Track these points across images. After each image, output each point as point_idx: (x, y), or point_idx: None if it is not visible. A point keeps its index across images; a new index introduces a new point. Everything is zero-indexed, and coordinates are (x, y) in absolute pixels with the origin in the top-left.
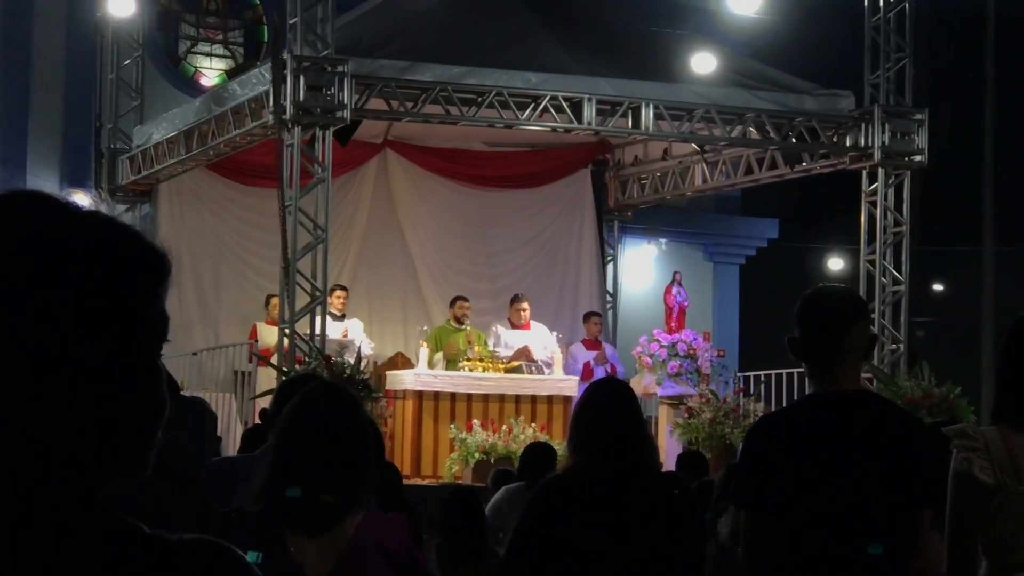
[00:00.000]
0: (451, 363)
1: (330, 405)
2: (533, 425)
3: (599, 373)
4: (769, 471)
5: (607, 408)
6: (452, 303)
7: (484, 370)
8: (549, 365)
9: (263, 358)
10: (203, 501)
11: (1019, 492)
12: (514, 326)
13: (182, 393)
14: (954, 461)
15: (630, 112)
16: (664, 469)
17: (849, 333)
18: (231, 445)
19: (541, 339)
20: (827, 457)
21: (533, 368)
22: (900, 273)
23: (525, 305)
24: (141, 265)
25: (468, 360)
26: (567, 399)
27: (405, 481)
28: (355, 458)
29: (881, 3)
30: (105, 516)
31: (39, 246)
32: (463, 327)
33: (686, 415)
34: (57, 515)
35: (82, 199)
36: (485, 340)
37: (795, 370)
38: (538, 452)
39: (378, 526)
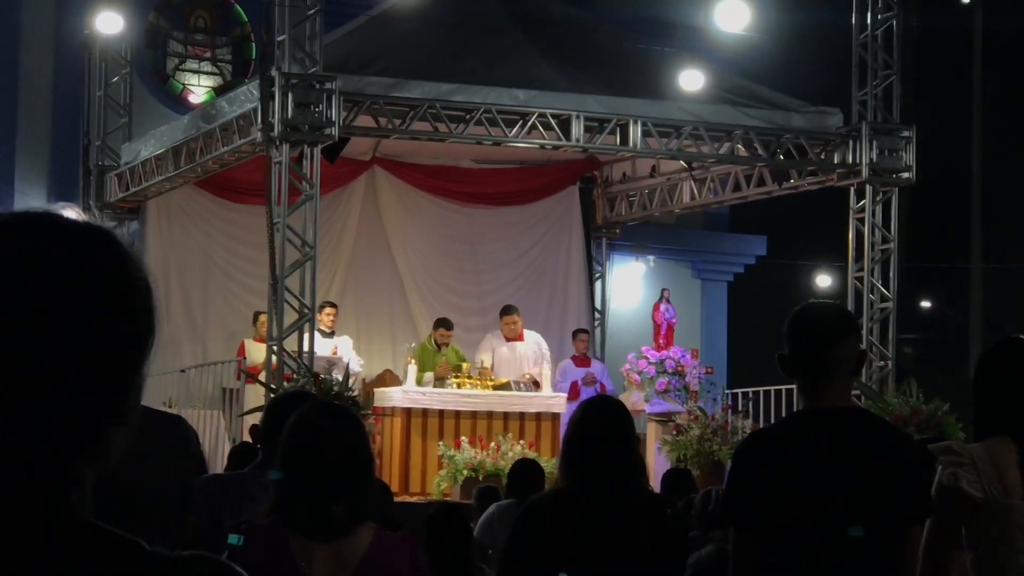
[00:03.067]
0: (439, 381)
1: (331, 421)
2: (521, 442)
3: (587, 394)
4: (758, 489)
5: (600, 428)
6: (435, 326)
7: (472, 387)
8: (537, 384)
9: (251, 375)
10: (192, 518)
11: (1007, 506)
12: (507, 339)
13: (163, 410)
14: (940, 475)
15: (618, 129)
16: (650, 486)
17: (838, 349)
18: (219, 462)
19: (535, 349)
20: (817, 474)
21: (522, 385)
22: (888, 290)
23: (515, 317)
24: (123, 287)
25: (456, 377)
26: (555, 416)
27: (393, 498)
28: (359, 469)
29: (868, 20)
30: (103, 532)
31: (35, 264)
32: (440, 352)
33: (674, 432)
34: (45, 523)
35: (71, 213)
36: (462, 355)
37: (784, 387)
38: (526, 469)
39: (390, 548)
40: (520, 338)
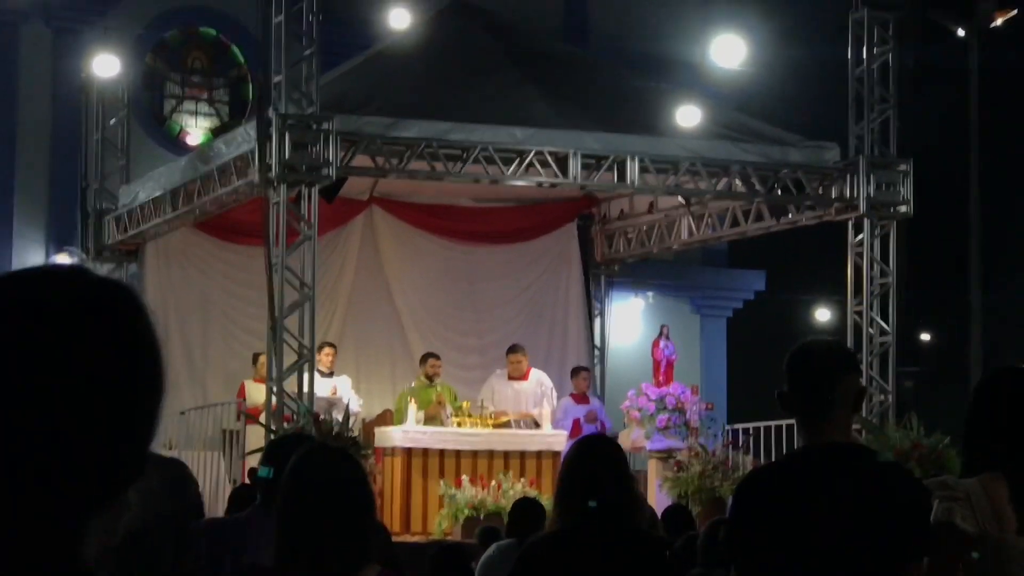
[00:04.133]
0: (430, 420)
1: (330, 463)
2: (522, 480)
3: (589, 431)
4: (759, 526)
5: (593, 467)
6: (423, 360)
7: (473, 426)
8: (537, 423)
9: (251, 416)
10: (190, 562)
11: (1002, 541)
12: (512, 377)
13: (162, 454)
14: (935, 511)
15: (615, 166)
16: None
17: (839, 386)
18: (219, 504)
19: (539, 389)
20: (817, 512)
21: (522, 423)
22: (887, 323)
23: (520, 356)
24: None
25: (456, 416)
26: (556, 454)
27: (394, 538)
28: (360, 510)
29: (864, 55)
30: None
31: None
32: (433, 384)
33: (675, 469)
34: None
35: (67, 259)
36: (455, 395)
37: (784, 422)
38: (526, 508)
39: None
40: (524, 377)
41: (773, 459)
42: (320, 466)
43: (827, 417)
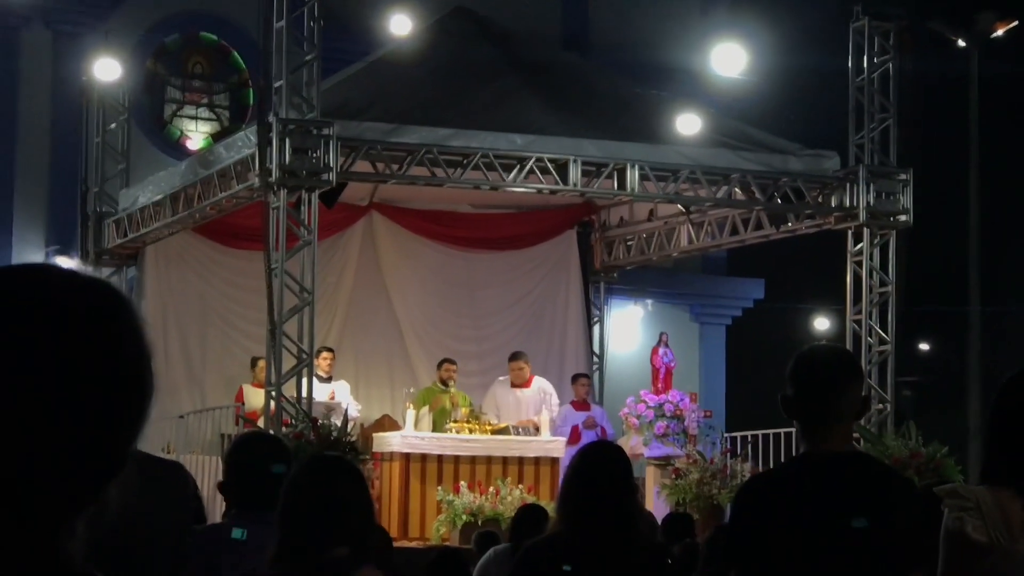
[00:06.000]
0: (437, 424)
1: (329, 470)
2: (520, 487)
3: (588, 437)
4: (758, 532)
5: (597, 473)
6: (439, 365)
7: (471, 432)
8: (537, 428)
9: (250, 421)
10: (190, 566)
11: (1012, 551)
12: (514, 384)
13: (161, 456)
14: (946, 520)
15: (615, 173)
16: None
17: (843, 395)
18: (217, 508)
19: (540, 396)
20: (817, 519)
21: (521, 430)
22: (886, 333)
23: (522, 363)
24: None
25: (456, 422)
26: (555, 460)
27: (393, 543)
28: (358, 516)
29: (865, 64)
30: None
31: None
32: (448, 389)
33: (673, 476)
34: (40, 573)
35: (67, 263)
36: (470, 402)
37: (782, 430)
38: (529, 514)
39: None
40: (527, 384)
41: (773, 466)
42: (320, 472)
43: (830, 425)
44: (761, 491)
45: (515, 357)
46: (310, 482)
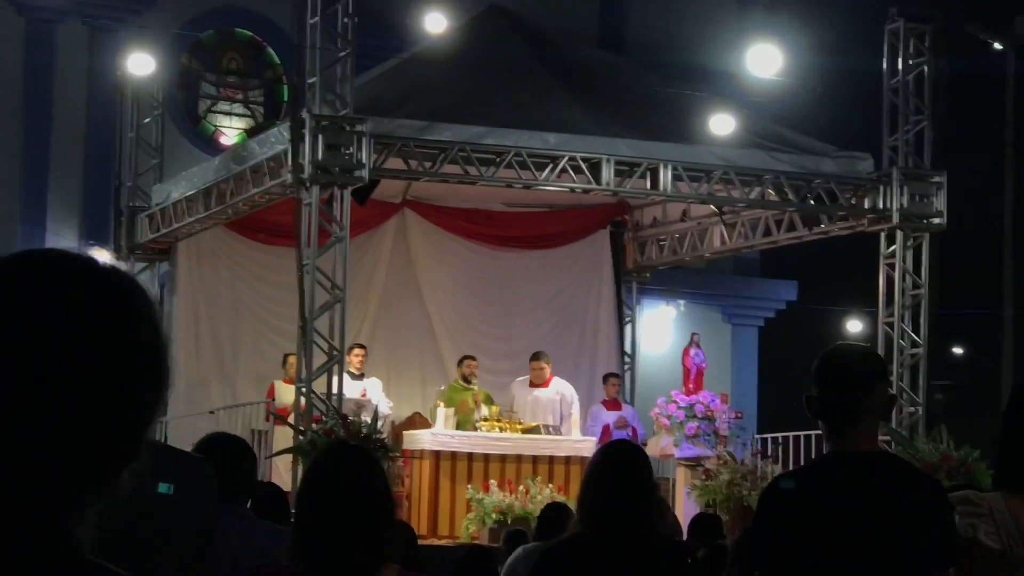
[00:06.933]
0: (461, 424)
1: (347, 462)
2: (550, 486)
3: (619, 437)
4: (784, 533)
5: (615, 472)
6: (460, 362)
7: (501, 430)
8: (556, 429)
9: (280, 417)
10: (212, 560)
11: None
12: (533, 384)
13: (187, 451)
14: (958, 526)
15: (648, 173)
16: (679, 531)
17: (868, 394)
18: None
19: (556, 397)
20: (842, 519)
21: (551, 429)
22: (918, 336)
23: (543, 364)
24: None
25: (486, 421)
26: (584, 460)
27: (422, 541)
28: (377, 510)
29: (900, 66)
30: (102, 570)
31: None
32: (471, 386)
33: (703, 477)
34: (45, 558)
35: (102, 256)
36: (491, 399)
37: (813, 432)
38: (555, 513)
39: None
40: (545, 384)
41: (799, 466)
42: (338, 465)
43: (855, 424)
44: (785, 492)
45: (536, 357)
46: (325, 470)
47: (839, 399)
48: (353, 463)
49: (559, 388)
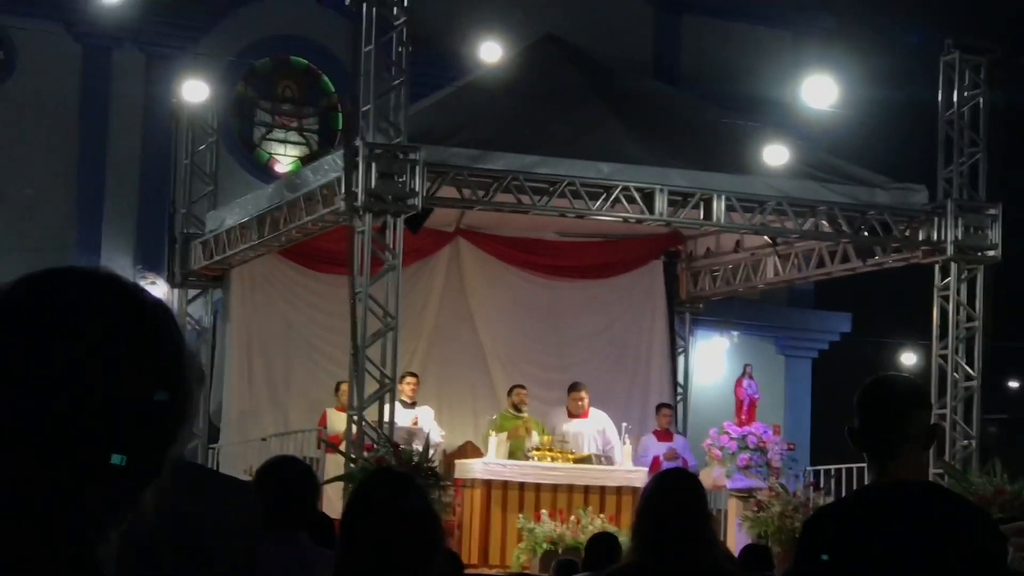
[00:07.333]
0: (513, 452)
1: (391, 489)
2: (602, 516)
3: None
4: (826, 565)
5: (670, 501)
6: (510, 391)
7: (552, 460)
8: (609, 458)
9: (331, 445)
10: None
11: None
12: (571, 415)
13: (232, 476)
14: (1011, 559)
15: (702, 203)
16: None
17: (908, 422)
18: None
19: (596, 428)
20: (884, 551)
21: (603, 459)
22: (972, 368)
23: (583, 394)
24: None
25: (538, 451)
26: (636, 490)
27: (473, 570)
28: (421, 537)
29: (955, 98)
30: None
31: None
32: (521, 415)
33: (755, 508)
34: None
35: (154, 286)
36: (543, 427)
37: (866, 464)
38: (603, 543)
39: None
40: (584, 415)
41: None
42: (381, 490)
43: (896, 454)
44: (829, 522)
45: (575, 387)
46: (368, 496)
47: (879, 429)
48: (396, 488)
49: (600, 421)
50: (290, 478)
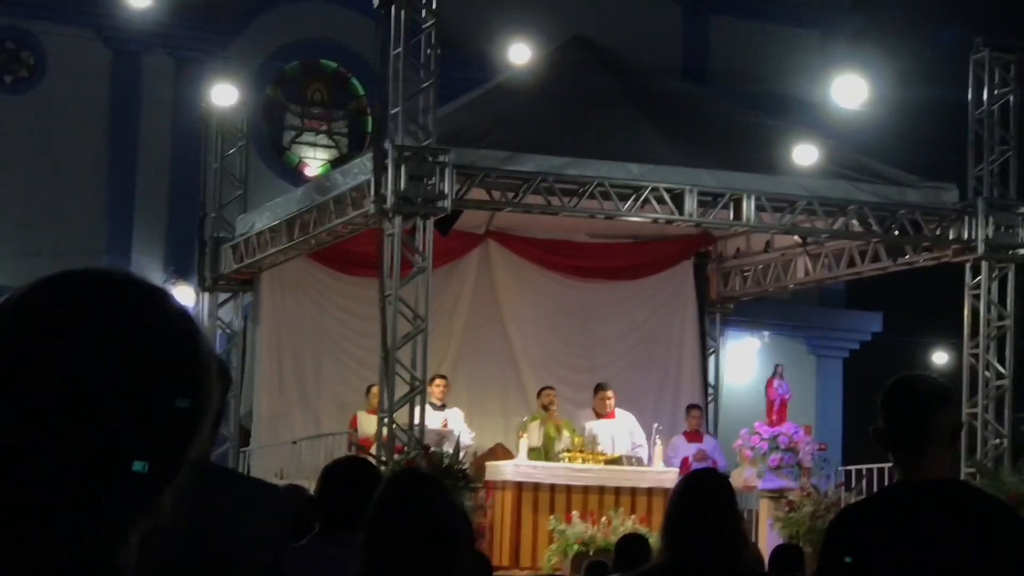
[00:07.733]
0: (546, 453)
1: (416, 490)
2: (632, 517)
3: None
4: (852, 565)
5: (699, 501)
6: (539, 393)
7: (583, 461)
8: (639, 459)
9: (362, 447)
10: None
11: None
12: (598, 415)
13: (259, 479)
14: None
15: (732, 204)
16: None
17: (931, 420)
18: None
19: (625, 428)
20: (910, 549)
21: (633, 460)
22: (1003, 367)
23: (610, 394)
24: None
25: (568, 452)
26: (667, 491)
27: (504, 572)
28: (447, 538)
29: (985, 96)
30: None
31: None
32: (549, 414)
33: (787, 509)
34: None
35: (181, 293)
36: (572, 428)
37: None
38: (633, 544)
39: None
40: (610, 415)
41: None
42: (404, 490)
43: (921, 452)
44: (855, 521)
45: (601, 388)
46: (391, 495)
47: (902, 428)
48: (420, 487)
49: (627, 421)
50: (353, 479)
